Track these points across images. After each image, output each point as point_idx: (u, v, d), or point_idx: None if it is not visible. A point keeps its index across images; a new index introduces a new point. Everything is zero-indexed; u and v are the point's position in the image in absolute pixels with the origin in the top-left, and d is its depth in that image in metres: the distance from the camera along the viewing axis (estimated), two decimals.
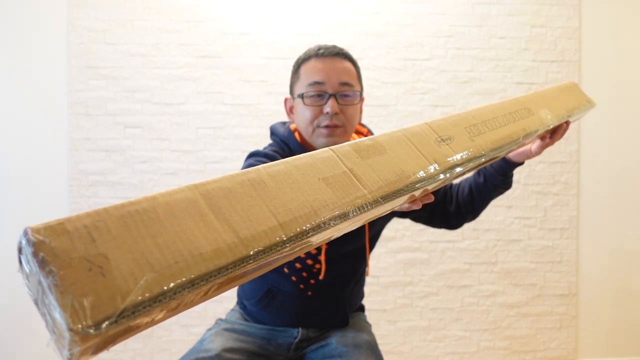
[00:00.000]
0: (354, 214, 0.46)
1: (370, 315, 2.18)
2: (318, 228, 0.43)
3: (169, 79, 2.22)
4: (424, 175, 0.55)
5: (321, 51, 1.03)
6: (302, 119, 1.03)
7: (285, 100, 1.12)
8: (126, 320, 0.31)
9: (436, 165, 0.57)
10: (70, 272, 0.31)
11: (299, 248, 0.44)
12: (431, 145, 0.60)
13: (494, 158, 0.73)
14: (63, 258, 0.31)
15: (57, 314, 0.30)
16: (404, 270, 2.31)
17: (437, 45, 2.31)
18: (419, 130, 0.61)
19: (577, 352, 2.40)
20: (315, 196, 0.45)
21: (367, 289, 2.21)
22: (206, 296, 0.39)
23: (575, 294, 2.38)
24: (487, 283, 2.34)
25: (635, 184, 2.41)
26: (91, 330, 0.29)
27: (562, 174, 2.36)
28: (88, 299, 0.30)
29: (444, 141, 0.61)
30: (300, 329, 1.10)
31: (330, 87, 1.00)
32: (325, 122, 1.00)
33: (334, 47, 1.04)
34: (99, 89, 2.20)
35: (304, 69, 1.04)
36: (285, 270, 1.08)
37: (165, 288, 0.33)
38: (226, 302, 2.22)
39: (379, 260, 2.29)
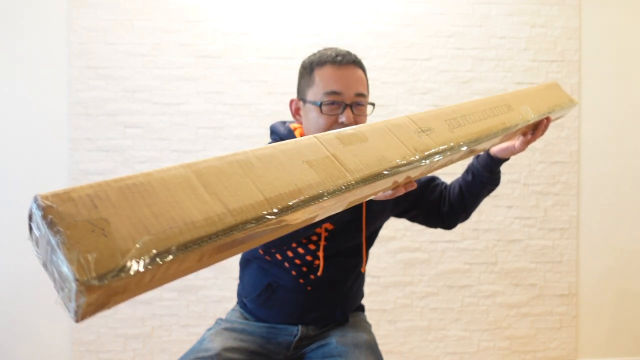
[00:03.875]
0: (336, 193, 0.50)
1: (370, 315, 2.18)
2: (302, 204, 0.46)
3: (169, 79, 2.22)
4: (404, 161, 0.58)
5: (339, 58, 1.01)
6: (315, 126, 1.01)
7: (292, 101, 1.10)
8: (126, 275, 0.34)
9: (416, 153, 0.61)
10: (75, 232, 0.34)
11: (285, 223, 0.46)
12: (411, 135, 0.63)
13: (474, 150, 0.76)
14: (69, 220, 0.35)
15: (65, 268, 0.33)
16: (404, 270, 2.31)
17: (437, 45, 2.31)
18: (400, 122, 0.65)
19: (577, 352, 2.40)
20: (300, 176, 0.48)
21: (367, 289, 2.21)
22: (201, 262, 0.42)
23: (575, 294, 2.38)
24: (487, 283, 2.34)
25: (635, 184, 2.41)
26: (95, 282, 0.33)
27: (562, 174, 2.36)
28: (92, 255, 0.34)
29: (423, 132, 0.65)
30: (300, 327, 1.10)
31: (347, 97, 1.00)
32: None
33: (349, 54, 1.03)
34: (99, 89, 2.20)
35: (319, 75, 1.02)
36: (286, 264, 1.09)
37: (161, 250, 0.36)
38: (226, 302, 2.23)
39: (379, 260, 2.29)
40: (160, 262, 0.36)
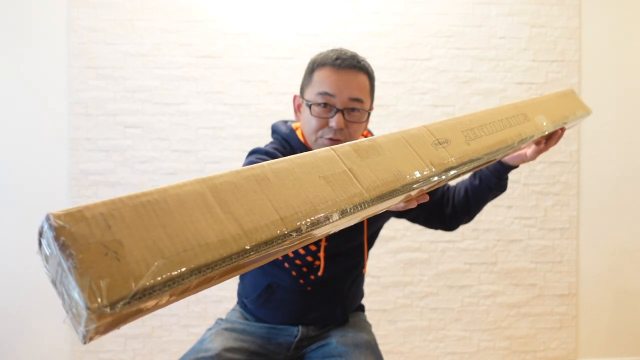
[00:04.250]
0: (352, 211, 0.49)
1: (370, 315, 2.18)
2: (317, 223, 0.46)
3: (169, 79, 2.22)
4: (420, 176, 0.57)
5: (338, 61, 0.99)
6: (307, 126, 1.02)
7: (295, 97, 1.11)
8: (138, 302, 0.34)
9: (432, 167, 0.60)
10: (88, 256, 0.33)
11: (298, 241, 0.46)
12: (428, 147, 0.62)
13: (489, 161, 0.76)
14: (82, 242, 0.34)
15: (76, 294, 0.32)
16: (404, 270, 2.31)
17: (437, 45, 2.31)
18: (417, 132, 0.63)
19: (577, 352, 2.40)
20: (316, 193, 0.47)
21: (367, 289, 2.22)
22: (211, 282, 0.41)
23: (575, 294, 2.38)
24: (487, 283, 2.34)
25: (635, 184, 2.41)
26: (107, 310, 0.32)
27: (562, 174, 2.36)
28: (104, 281, 0.33)
29: (440, 144, 0.64)
30: (300, 327, 1.10)
31: (340, 101, 0.98)
32: (329, 135, 1.00)
33: (353, 57, 1.00)
34: (99, 89, 2.20)
35: (317, 75, 1.01)
36: (286, 265, 1.09)
37: (174, 274, 0.36)
38: (226, 302, 2.22)
39: (379, 260, 2.29)
40: (173, 287, 0.36)
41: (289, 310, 1.11)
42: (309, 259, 1.09)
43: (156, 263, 0.35)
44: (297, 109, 1.10)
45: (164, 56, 2.21)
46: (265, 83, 2.25)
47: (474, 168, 0.71)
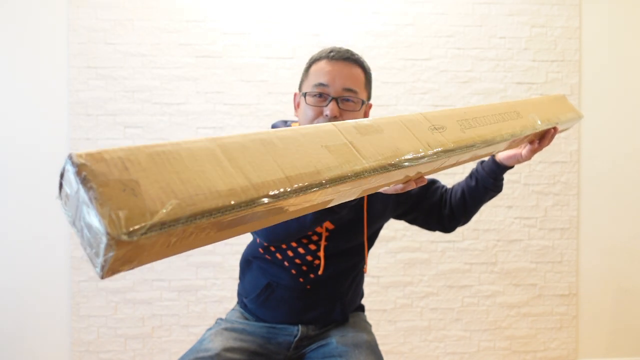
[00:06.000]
0: (353, 178, 0.52)
1: (370, 315, 2.18)
2: (320, 185, 0.48)
3: (169, 79, 2.22)
4: (417, 155, 0.60)
5: (332, 54, 1.03)
6: (304, 117, 1.05)
7: (295, 95, 1.13)
8: (154, 234, 0.36)
9: (429, 148, 0.63)
10: (107, 190, 0.36)
11: (301, 205, 0.49)
12: (425, 131, 0.65)
13: (480, 155, 0.78)
14: (101, 178, 0.36)
15: (97, 222, 0.35)
16: (404, 270, 2.31)
17: (437, 45, 2.31)
18: (413, 118, 0.66)
19: (578, 352, 2.40)
20: (319, 159, 0.50)
21: (367, 289, 2.22)
22: (220, 233, 0.44)
23: (575, 294, 2.38)
24: (487, 283, 2.34)
25: (635, 184, 2.41)
26: (125, 237, 0.34)
27: (562, 174, 2.36)
28: (123, 212, 0.35)
29: (436, 129, 0.67)
30: (300, 327, 1.11)
31: (334, 90, 1.01)
32: None
33: (347, 51, 1.04)
34: (99, 89, 2.20)
35: (313, 69, 1.05)
36: (285, 264, 1.10)
37: (187, 213, 0.38)
38: (226, 302, 2.22)
39: (379, 260, 2.29)
40: (186, 226, 0.38)
41: (288, 309, 1.11)
42: (309, 258, 1.09)
43: (170, 202, 0.38)
44: (297, 107, 1.12)
45: (163, 56, 2.21)
46: (265, 83, 2.25)
47: (470, 157, 0.74)
